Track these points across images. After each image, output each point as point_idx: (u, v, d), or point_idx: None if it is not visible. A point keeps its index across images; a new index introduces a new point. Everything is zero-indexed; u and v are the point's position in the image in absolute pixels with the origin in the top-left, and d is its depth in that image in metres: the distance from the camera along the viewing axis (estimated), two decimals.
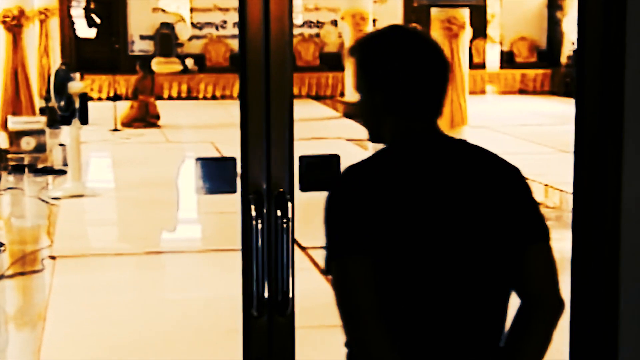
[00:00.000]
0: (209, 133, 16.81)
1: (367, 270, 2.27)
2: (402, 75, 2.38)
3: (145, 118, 17.59)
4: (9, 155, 12.55)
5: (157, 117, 17.79)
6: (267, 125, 3.05)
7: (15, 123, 12.73)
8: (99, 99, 21.01)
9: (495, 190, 2.40)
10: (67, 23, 21.10)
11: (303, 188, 3.18)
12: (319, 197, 2.56)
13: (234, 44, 23.43)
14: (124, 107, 17.73)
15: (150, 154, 14.75)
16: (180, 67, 22.86)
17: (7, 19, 13.09)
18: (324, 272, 2.37)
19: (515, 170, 2.48)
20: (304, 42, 23.99)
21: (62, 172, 12.31)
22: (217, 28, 23.92)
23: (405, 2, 24.03)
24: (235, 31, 23.46)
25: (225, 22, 23.87)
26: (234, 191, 3.12)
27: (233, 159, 3.12)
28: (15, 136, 12.61)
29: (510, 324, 2.46)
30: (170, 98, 22.03)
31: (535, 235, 2.44)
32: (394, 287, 2.31)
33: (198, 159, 2.60)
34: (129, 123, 17.41)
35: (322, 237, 2.40)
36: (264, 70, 3.04)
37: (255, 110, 3.05)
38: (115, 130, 17.04)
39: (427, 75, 2.40)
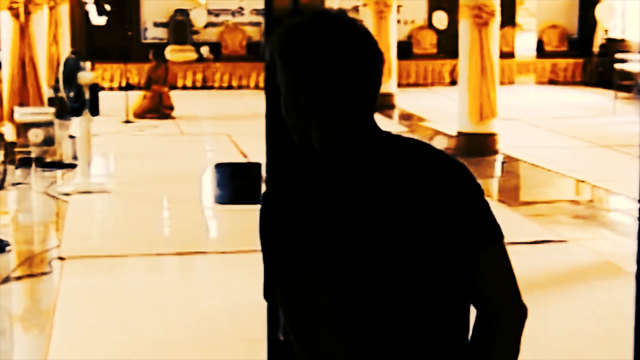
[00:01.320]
0: (226, 124, 16.66)
1: (319, 287, 2.10)
2: (329, 67, 2.20)
3: (158, 109, 17.44)
4: (16, 149, 12.41)
5: (171, 107, 17.65)
6: None
7: (23, 114, 12.59)
8: (111, 88, 20.93)
9: (442, 191, 2.23)
10: (77, 10, 20.96)
11: None
12: None
13: (251, 32, 23.28)
14: (136, 98, 17.59)
15: (164, 147, 14.58)
16: (195, 56, 22.70)
17: (15, 5, 12.94)
18: (265, 297, 2.19)
19: (462, 169, 2.30)
20: None
21: (72, 166, 12.17)
22: (233, 14, 23.72)
23: None
24: (253, 18, 23.31)
25: (242, 8, 23.66)
26: (259, 202, 2.90)
27: (257, 165, 2.89)
28: (23, 128, 12.47)
29: (471, 339, 2.31)
30: (184, 88, 21.90)
31: (488, 237, 2.28)
32: (346, 302, 2.14)
33: (217, 165, 2.31)
34: (141, 114, 17.26)
35: None
36: None
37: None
38: (128, 121, 16.90)
39: (358, 67, 2.22)
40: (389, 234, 2.15)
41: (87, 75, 11.13)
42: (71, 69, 11.10)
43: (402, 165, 2.22)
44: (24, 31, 13.01)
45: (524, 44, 24.06)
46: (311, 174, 2.18)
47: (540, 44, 24.20)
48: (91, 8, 18.48)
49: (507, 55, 22.26)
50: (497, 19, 13.69)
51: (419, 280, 2.19)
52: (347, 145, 2.21)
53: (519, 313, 2.30)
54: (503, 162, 13.51)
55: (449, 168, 2.28)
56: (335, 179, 2.16)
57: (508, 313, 2.29)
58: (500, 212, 10.26)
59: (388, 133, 2.27)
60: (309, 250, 2.10)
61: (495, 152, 13.73)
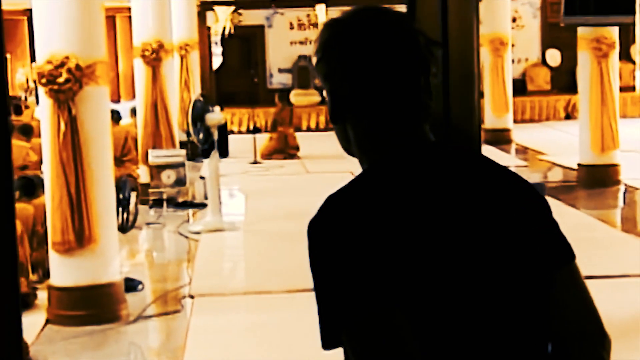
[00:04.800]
0: (349, 163, 16.08)
1: (401, 321, 1.71)
2: (364, 63, 1.84)
3: (284, 149, 17.07)
4: (150, 190, 12.08)
5: (297, 148, 17.26)
6: None
7: (156, 157, 12.26)
8: (239, 132, 20.67)
9: (510, 209, 1.86)
10: (207, 57, 20.82)
11: None
12: None
13: None
14: (263, 139, 17.24)
15: (290, 185, 14.12)
16: (318, 99, 22.31)
17: (146, 53, 12.72)
18: (326, 346, 1.76)
19: (527, 183, 1.92)
20: None
21: (203, 206, 11.79)
22: None
23: (543, 25, 23.10)
24: None
25: None
26: None
27: None
28: (156, 170, 12.15)
29: None
30: (309, 129, 21.50)
31: (561, 257, 1.89)
32: (421, 332, 1.74)
33: None
34: (268, 155, 16.91)
35: None
36: None
37: None
38: (255, 162, 16.53)
39: (396, 69, 1.85)
40: (460, 256, 1.78)
41: (214, 116, 10.73)
42: (199, 110, 10.72)
43: (464, 180, 1.86)
44: (155, 77, 12.78)
45: None
46: (365, 196, 1.80)
47: None
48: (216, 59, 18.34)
49: (624, 89, 21.22)
50: (617, 50, 12.90)
51: (495, 306, 1.81)
52: (400, 161, 1.84)
53: (600, 340, 1.90)
54: (625, 192, 12.69)
55: (515, 184, 1.91)
56: (393, 199, 1.79)
57: (587, 339, 1.89)
58: (627, 242, 9.48)
59: (438, 144, 1.91)
60: (382, 281, 1.72)
61: (618, 182, 12.95)
